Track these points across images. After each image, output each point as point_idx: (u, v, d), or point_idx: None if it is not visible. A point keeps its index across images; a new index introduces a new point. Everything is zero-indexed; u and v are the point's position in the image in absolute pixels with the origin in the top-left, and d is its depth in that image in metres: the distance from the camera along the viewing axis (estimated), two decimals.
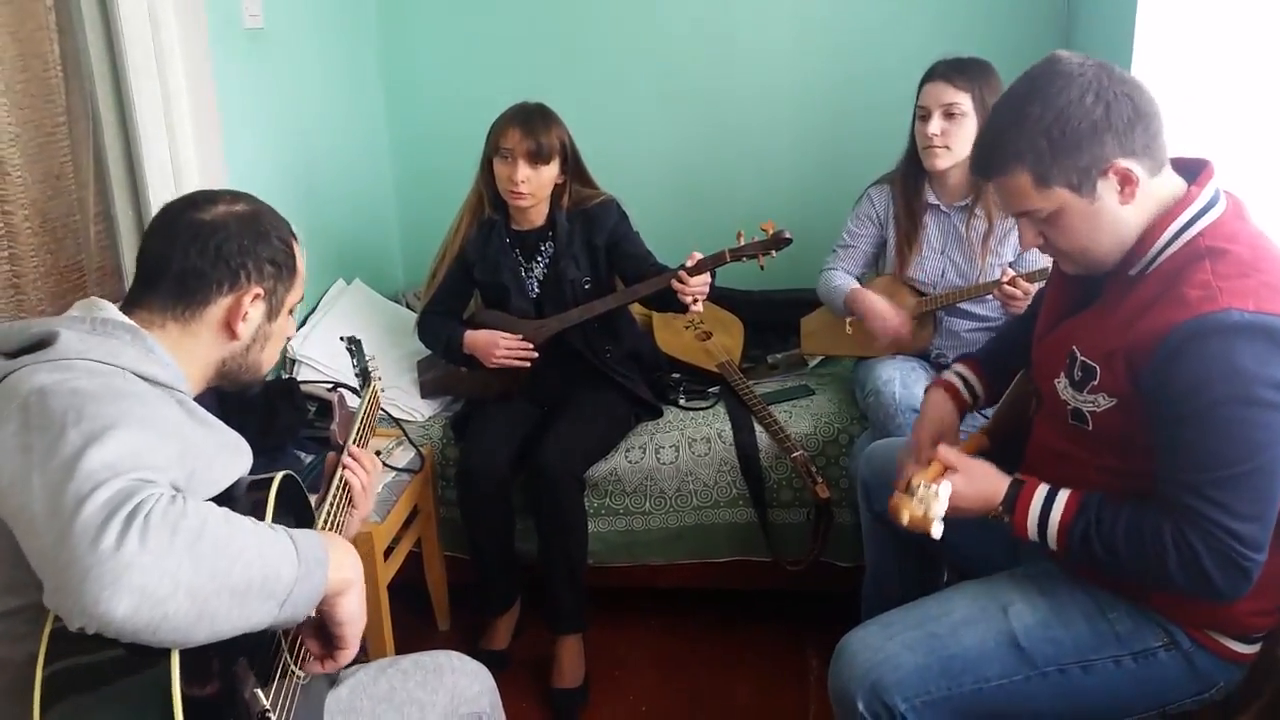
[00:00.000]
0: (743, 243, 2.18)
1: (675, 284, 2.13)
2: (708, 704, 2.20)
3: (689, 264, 2.13)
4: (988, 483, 1.38)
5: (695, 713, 2.18)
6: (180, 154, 2.02)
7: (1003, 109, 1.29)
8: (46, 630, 0.91)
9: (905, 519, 1.30)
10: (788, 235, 2.16)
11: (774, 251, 2.18)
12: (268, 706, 1.02)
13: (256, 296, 1.19)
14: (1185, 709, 1.40)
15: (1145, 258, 1.28)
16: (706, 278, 2.14)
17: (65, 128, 1.91)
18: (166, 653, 0.90)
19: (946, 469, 1.39)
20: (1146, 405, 1.25)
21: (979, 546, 1.65)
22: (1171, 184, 1.29)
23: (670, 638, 2.43)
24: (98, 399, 0.95)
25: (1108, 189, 1.25)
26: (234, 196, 1.22)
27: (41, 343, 1.03)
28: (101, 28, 1.92)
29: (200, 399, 2.00)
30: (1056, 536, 1.33)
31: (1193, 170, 1.30)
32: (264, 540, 0.94)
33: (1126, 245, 1.29)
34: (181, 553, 0.85)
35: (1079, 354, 1.33)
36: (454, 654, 1.46)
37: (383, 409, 2.22)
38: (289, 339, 1.31)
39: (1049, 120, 1.22)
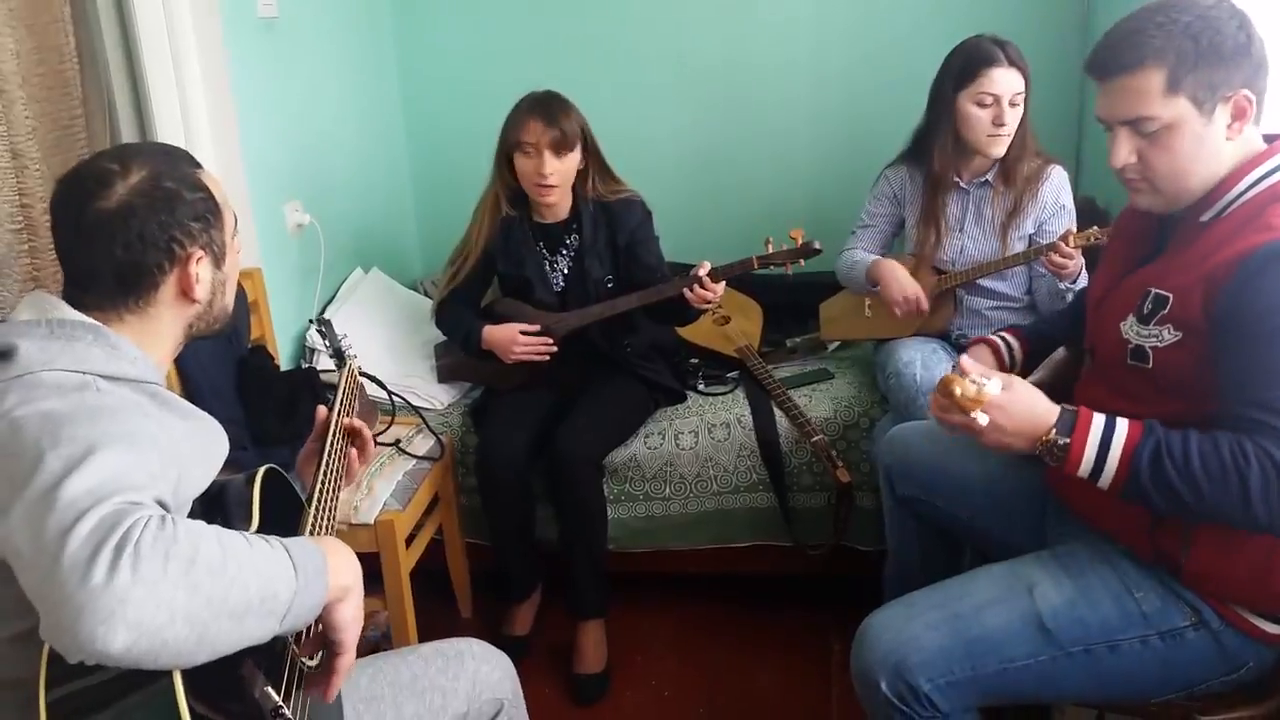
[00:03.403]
0: (771, 250, 2.18)
1: (695, 287, 2.13)
2: (729, 688, 2.20)
3: (701, 271, 2.13)
4: (1033, 411, 1.28)
5: (716, 697, 2.18)
6: (196, 144, 2.03)
7: (1142, 13, 1.28)
8: (47, 646, 0.89)
9: (958, 391, 1.25)
10: (817, 246, 2.14)
11: (802, 260, 2.17)
12: (279, 702, 1.00)
13: (200, 259, 1.14)
14: (1213, 689, 1.38)
15: (1218, 204, 1.29)
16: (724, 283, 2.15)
17: (82, 120, 1.91)
18: None
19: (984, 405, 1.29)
20: (1218, 329, 1.24)
21: (1002, 530, 1.65)
22: (1255, 138, 1.31)
23: (691, 623, 2.43)
24: (72, 420, 0.92)
25: (1223, 116, 1.26)
26: (123, 165, 1.09)
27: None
28: (116, 19, 1.93)
29: (220, 391, 2.03)
30: (1119, 461, 1.24)
31: (1268, 139, 1.32)
32: (259, 558, 0.91)
33: (1210, 185, 1.30)
34: (176, 580, 0.83)
35: (1153, 289, 1.32)
36: (475, 641, 1.45)
37: (402, 397, 2.23)
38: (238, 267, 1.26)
39: (1199, 27, 1.23)
